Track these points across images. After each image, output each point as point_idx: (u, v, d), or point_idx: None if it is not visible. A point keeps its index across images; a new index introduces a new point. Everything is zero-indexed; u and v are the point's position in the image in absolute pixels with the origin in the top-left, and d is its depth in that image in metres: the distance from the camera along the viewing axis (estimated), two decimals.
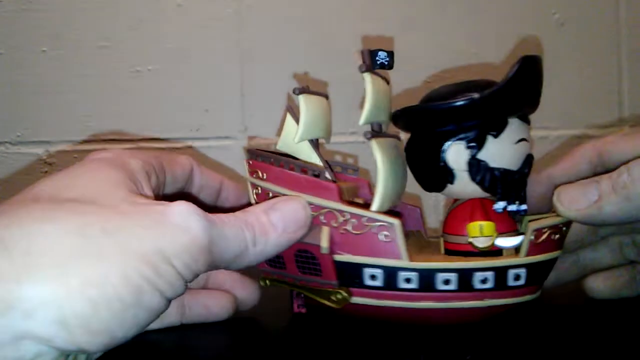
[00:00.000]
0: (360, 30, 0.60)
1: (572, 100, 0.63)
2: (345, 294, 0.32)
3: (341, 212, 0.32)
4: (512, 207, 0.32)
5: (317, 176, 0.33)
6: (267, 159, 0.35)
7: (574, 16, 0.62)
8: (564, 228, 0.32)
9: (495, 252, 0.32)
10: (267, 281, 0.35)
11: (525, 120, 0.33)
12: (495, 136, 0.31)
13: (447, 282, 0.31)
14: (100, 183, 0.27)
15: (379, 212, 0.32)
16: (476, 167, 0.32)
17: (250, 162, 0.36)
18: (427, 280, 0.31)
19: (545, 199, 0.34)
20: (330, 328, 0.35)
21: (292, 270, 0.33)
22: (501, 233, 0.32)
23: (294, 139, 0.34)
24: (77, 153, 0.61)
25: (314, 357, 0.31)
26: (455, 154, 0.32)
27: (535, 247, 0.31)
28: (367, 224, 0.31)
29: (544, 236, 0.31)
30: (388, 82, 0.37)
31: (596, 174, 0.35)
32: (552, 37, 0.62)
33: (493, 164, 0.31)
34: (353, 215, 0.32)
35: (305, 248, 0.32)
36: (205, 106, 0.61)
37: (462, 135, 0.32)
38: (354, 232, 0.32)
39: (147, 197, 0.28)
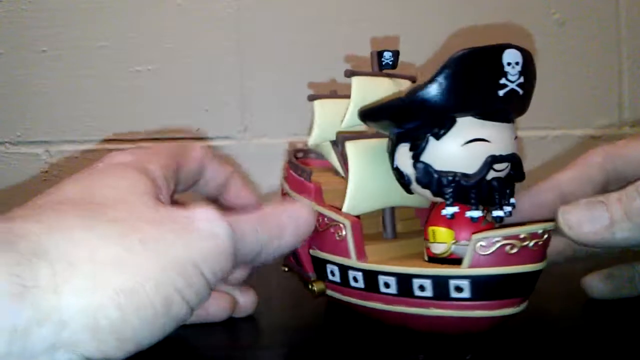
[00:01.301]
0: (359, 29, 0.60)
1: (571, 100, 0.63)
2: (319, 286, 0.34)
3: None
4: (473, 213, 0.29)
5: (303, 177, 0.36)
6: (290, 160, 0.39)
7: (574, 16, 0.62)
8: (529, 242, 0.28)
9: (457, 260, 0.30)
10: (286, 268, 0.38)
11: (491, 118, 0.29)
12: (437, 137, 0.29)
13: (387, 285, 0.31)
14: (127, 190, 0.27)
15: (346, 213, 0.32)
16: (420, 171, 0.30)
17: (284, 163, 0.40)
18: (371, 281, 0.31)
19: (555, 206, 0.32)
20: (330, 326, 0.35)
21: (290, 259, 0.37)
22: (461, 241, 0.30)
23: (309, 140, 0.38)
24: (77, 153, 0.61)
25: (313, 355, 0.31)
26: (403, 156, 0.31)
27: (482, 259, 0.28)
28: (327, 222, 0.33)
29: (494, 248, 0.28)
30: (415, 80, 0.37)
31: (609, 181, 0.34)
32: (552, 37, 0.62)
33: (439, 166, 0.29)
34: (319, 214, 0.33)
35: None
36: (204, 106, 0.61)
37: (407, 137, 0.30)
38: (319, 229, 0.33)
39: (168, 204, 0.28)
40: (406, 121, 0.30)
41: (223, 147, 0.62)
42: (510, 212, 0.30)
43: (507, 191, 0.30)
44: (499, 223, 0.30)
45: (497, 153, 0.29)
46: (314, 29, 0.61)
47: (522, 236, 0.28)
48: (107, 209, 0.25)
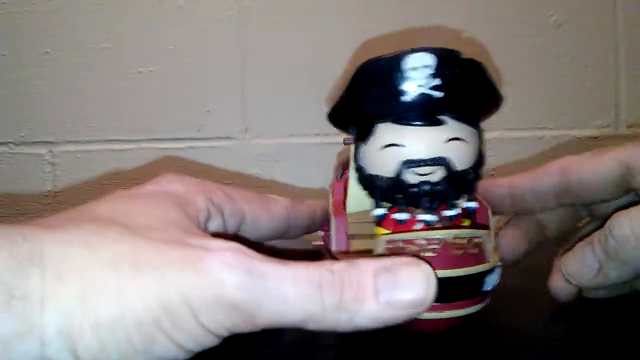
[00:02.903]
0: (360, 29, 0.61)
1: (569, 101, 0.63)
2: None
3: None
4: (397, 216, 0.29)
5: (336, 177, 0.36)
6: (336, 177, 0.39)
7: (572, 17, 0.63)
8: (425, 247, 0.28)
9: None
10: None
11: (409, 123, 0.28)
12: (364, 143, 0.30)
13: None
14: (158, 218, 0.25)
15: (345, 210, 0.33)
16: (358, 173, 0.31)
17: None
18: None
19: (502, 200, 0.35)
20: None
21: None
22: None
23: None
24: (80, 153, 0.61)
25: (311, 354, 0.31)
26: (351, 159, 0.32)
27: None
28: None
29: (394, 246, 0.28)
30: None
31: (559, 195, 0.34)
32: (550, 38, 0.62)
33: (370, 170, 0.30)
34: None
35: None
36: (206, 107, 0.62)
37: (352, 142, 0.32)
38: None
39: (199, 237, 0.25)
40: (341, 128, 0.32)
41: (224, 147, 0.62)
42: (455, 216, 0.30)
43: (446, 195, 0.29)
44: (432, 226, 0.29)
45: (415, 157, 0.28)
46: (314, 29, 0.61)
47: (417, 242, 0.28)
48: (123, 227, 0.23)
